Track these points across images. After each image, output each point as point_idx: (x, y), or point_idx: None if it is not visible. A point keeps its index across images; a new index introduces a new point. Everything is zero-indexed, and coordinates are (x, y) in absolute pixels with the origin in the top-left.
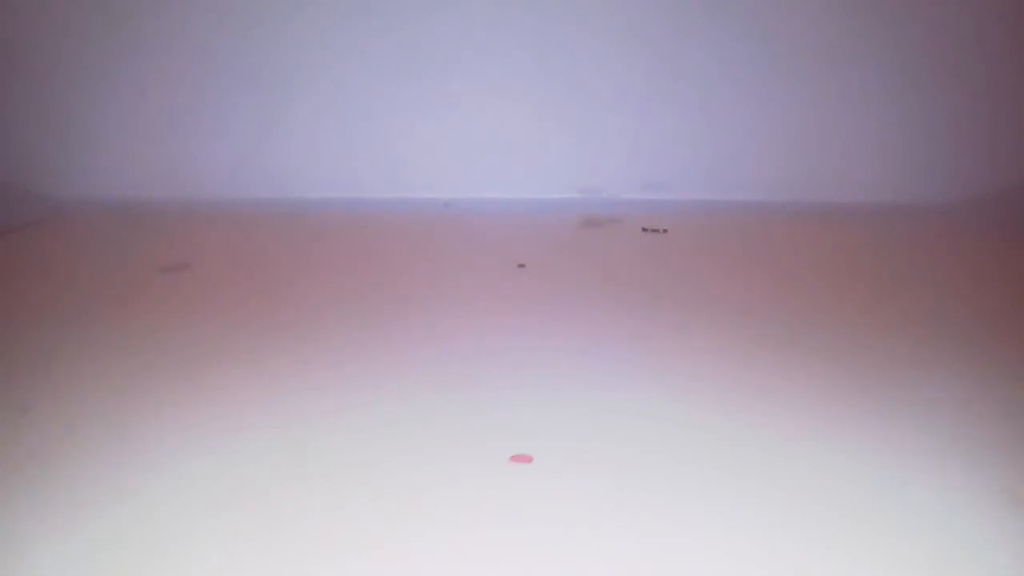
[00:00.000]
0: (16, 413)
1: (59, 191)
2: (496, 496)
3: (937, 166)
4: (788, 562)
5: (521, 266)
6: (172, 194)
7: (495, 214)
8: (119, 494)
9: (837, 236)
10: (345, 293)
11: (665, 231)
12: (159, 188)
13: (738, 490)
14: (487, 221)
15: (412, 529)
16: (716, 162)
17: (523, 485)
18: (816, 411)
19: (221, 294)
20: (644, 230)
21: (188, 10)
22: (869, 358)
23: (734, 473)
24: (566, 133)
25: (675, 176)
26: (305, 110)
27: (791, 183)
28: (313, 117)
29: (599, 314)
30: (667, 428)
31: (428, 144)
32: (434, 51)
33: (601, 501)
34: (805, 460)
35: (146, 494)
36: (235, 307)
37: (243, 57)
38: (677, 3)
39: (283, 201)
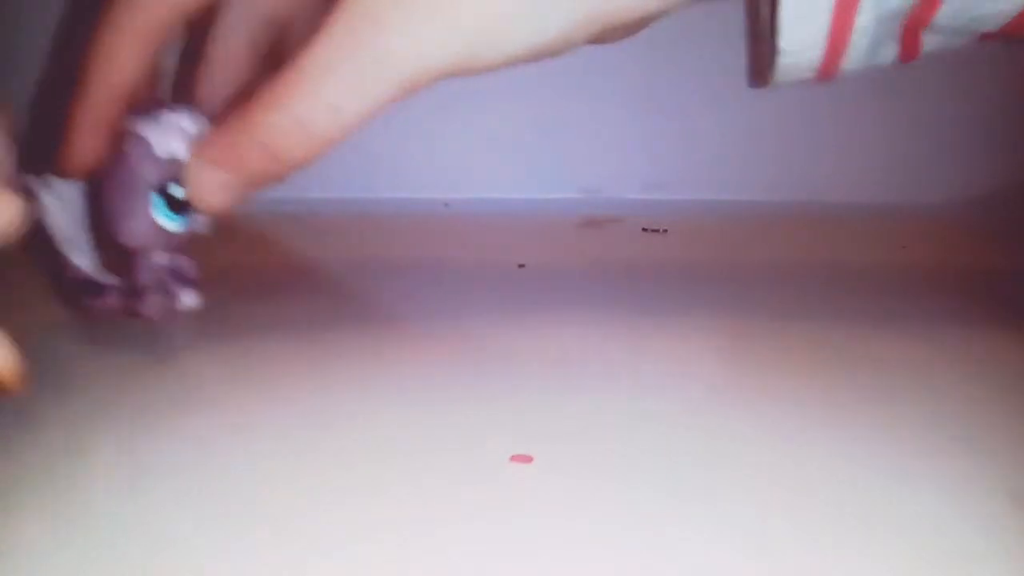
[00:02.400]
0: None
1: None
2: (496, 496)
3: (936, 166)
4: (788, 562)
5: (521, 266)
6: None
7: (495, 214)
8: (119, 494)
9: (837, 236)
10: (344, 293)
11: (665, 231)
12: None
13: (738, 490)
14: (487, 221)
15: (410, 529)
16: (716, 162)
17: (523, 485)
18: (816, 411)
19: (221, 294)
20: (644, 230)
21: None
22: (869, 358)
23: (734, 473)
24: (566, 133)
25: (675, 176)
26: None
27: (791, 183)
28: None
29: (599, 314)
30: (668, 428)
31: (428, 144)
32: None
33: (602, 500)
34: (805, 460)
35: (147, 494)
36: (234, 306)
37: None
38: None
39: (283, 201)
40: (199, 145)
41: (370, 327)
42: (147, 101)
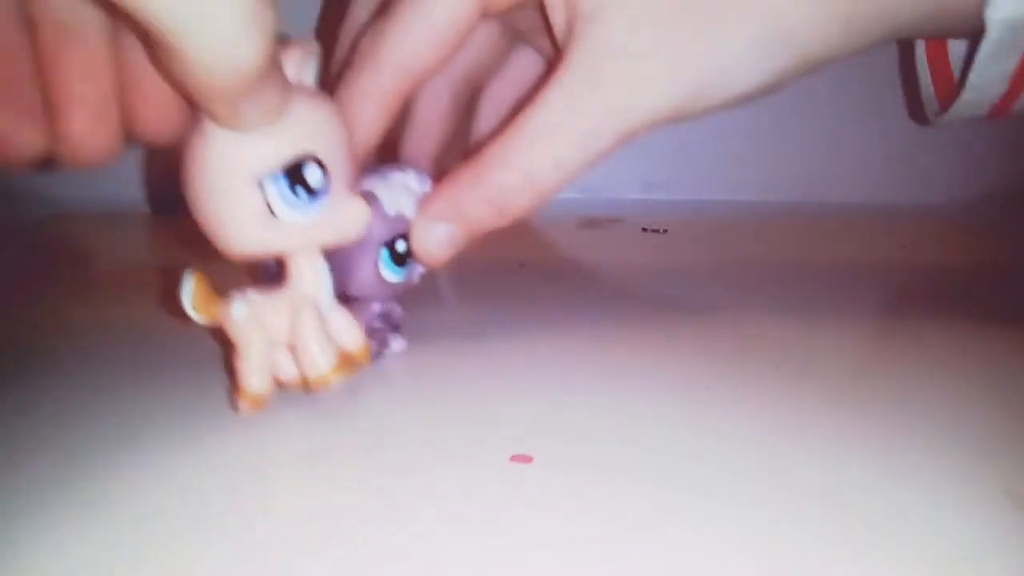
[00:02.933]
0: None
1: (59, 191)
2: (496, 496)
3: (936, 166)
4: (787, 562)
5: (521, 266)
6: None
7: None
8: (119, 495)
9: (837, 236)
10: None
11: (665, 231)
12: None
13: (737, 490)
14: None
15: (410, 528)
16: (716, 162)
17: (523, 485)
18: (816, 411)
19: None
20: (644, 230)
21: None
22: (868, 358)
23: (733, 473)
24: None
25: (675, 176)
26: None
27: (791, 183)
28: None
29: (599, 314)
30: (668, 427)
31: None
32: None
33: (602, 500)
34: (804, 460)
35: (146, 495)
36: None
37: None
38: None
39: None
40: (425, 202)
41: None
42: (378, 162)
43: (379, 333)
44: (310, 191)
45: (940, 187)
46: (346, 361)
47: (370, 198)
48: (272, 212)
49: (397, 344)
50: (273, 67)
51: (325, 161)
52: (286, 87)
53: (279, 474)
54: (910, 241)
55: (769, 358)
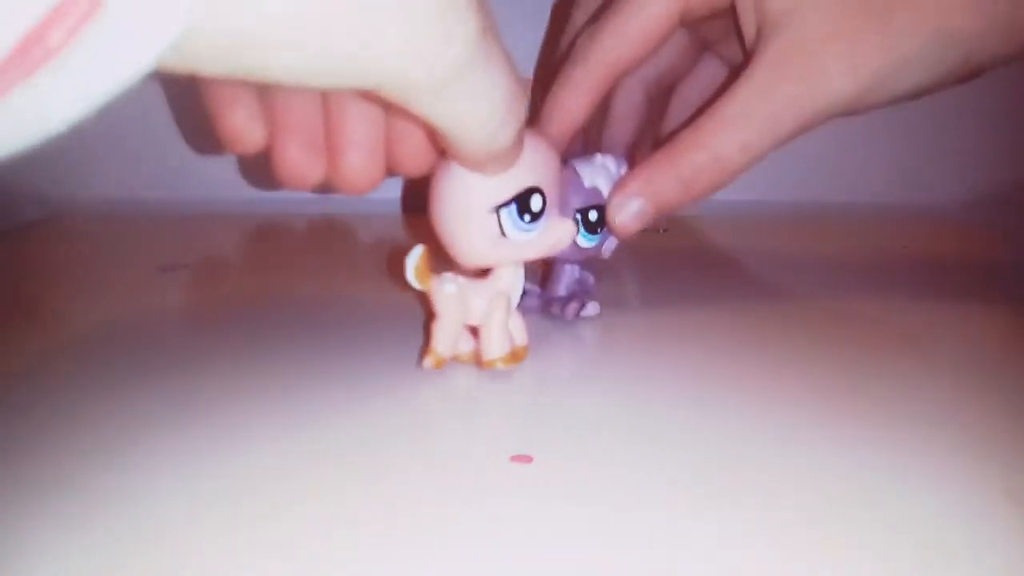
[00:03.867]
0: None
1: (59, 191)
2: (496, 496)
3: (937, 166)
4: (785, 560)
5: None
6: (172, 194)
7: None
8: (118, 495)
9: (837, 236)
10: (346, 292)
11: (665, 231)
12: (159, 188)
13: (737, 489)
14: None
15: (410, 528)
16: None
17: (523, 485)
18: (815, 410)
19: (222, 294)
20: (644, 230)
21: None
22: (868, 357)
23: (733, 472)
24: None
25: None
26: None
27: (791, 183)
28: None
29: (599, 313)
30: (668, 426)
31: None
32: None
33: (602, 500)
34: (805, 460)
35: (145, 495)
36: (236, 308)
37: None
38: None
39: (285, 200)
40: (621, 180)
41: (371, 324)
42: (585, 145)
43: (578, 296)
44: (533, 216)
45: (940, 187)
46: (513, 355)
47: (571, 171)
48: (503, 233)
49: (592, 308)
50: (518, 138)
51: (544, 190)
52: (521, 141)
53: (274, 474)
54: (910, 241)
55: (767, 357)
